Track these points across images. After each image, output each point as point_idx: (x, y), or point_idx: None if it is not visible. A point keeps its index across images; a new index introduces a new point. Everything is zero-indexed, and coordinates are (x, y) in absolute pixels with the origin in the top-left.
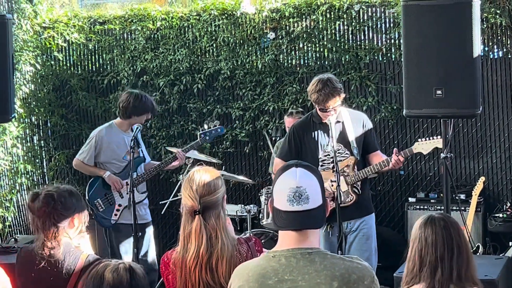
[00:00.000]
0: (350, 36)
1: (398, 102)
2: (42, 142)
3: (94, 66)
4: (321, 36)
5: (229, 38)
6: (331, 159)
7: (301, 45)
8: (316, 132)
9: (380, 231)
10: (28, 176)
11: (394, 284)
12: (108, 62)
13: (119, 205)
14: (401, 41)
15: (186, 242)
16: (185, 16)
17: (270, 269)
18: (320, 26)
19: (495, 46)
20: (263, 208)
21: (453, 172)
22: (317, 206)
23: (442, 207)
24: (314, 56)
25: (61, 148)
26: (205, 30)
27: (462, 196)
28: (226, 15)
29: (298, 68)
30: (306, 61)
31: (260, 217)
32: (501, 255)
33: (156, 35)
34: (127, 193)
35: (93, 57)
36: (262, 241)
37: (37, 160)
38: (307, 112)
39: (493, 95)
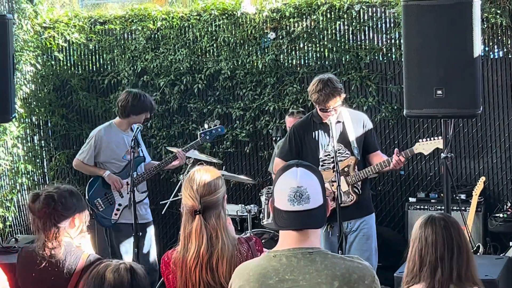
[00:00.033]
0: (351, 36)
1: (399, 102)
2: (42, 142)
3: (94, 66)
4: (321, 36)
5: (230, 38)
6: (332, 159)
7: (301, 45)
8: (316, 132)
9: (380, 231)
10: (28, 176)
11: (394, 284)
12: (108, 62)
13: (119, 205)
14: (402, 41)
15: (187, 242)
16: (186, 16)
17: (271, 268)
18: (321, 26)
19: (495, 46)
20: (264, 208)
21: (454, 172)
22: (318, 206)
23: (443, 207)
24: (314, 56)
25: (62, 148)
26: (206, 30)
27: (463, 196)
28: (226, 15)
29: (298, 68)
30: (306, 61)
31: (260, 217)
32: (501, 255)
33: (156, 35)
34: (128, 193)
35: (93, 57)
36: (263, 241)
37: (37, 160)
38: (308, 112)
39: (494, 95)
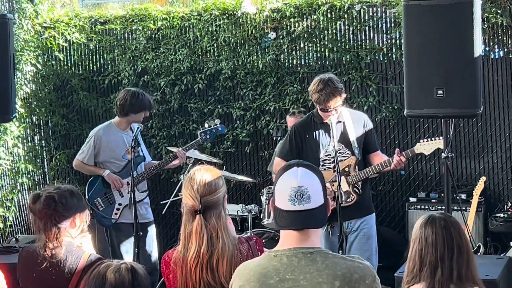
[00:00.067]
0: (351, 36)
1: (399, 102)
2: (43, 142)
3: (95, 66)
4: (322, 36)
5: (230, 38)
6: (332, 159)
7: (302, 45)
8: (317, 132)
9: (381, 231)
10: (29, 176)
11: (395, 284)
12: (109, 62)
13: (119, 204)
14: (402, 41)
15: (187, 241)
16: (186, 16)
17: (271, 268)
18: (321, 26)
19: (496, 46)
20: (264, 208)
21: (454, 172)
22: (319, 206)
23: (443, 207)
24: (315, 56)
25: (62, 148)
26: (206, 30)
27: (463, 196)
28: (227, 15)
29: (299, 68)
30: (307, 61)
31: (261, 217)
32: (502, 255)
33: (157, 35)
34: (128, 193)
35: (94, 57)
36: (263, 241)
37: (38, 160)
38: (309, 112)
39: (494, 95)
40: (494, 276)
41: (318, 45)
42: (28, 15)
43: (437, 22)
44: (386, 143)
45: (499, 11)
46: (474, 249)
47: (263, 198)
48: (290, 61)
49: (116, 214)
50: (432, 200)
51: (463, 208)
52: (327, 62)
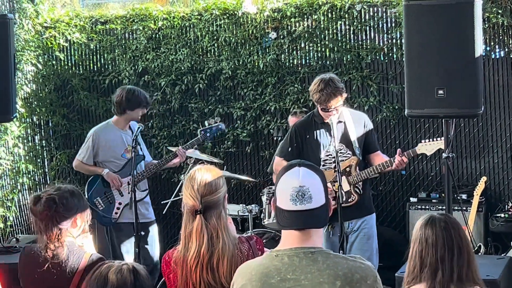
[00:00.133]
0: (352, 35)
1: (400, 102)
2: (43, 142)
3: (95, 66)
4: (322, 35)
5: (231, 38)
6: (333, 159)
7: (302, 45)
8: (317, 132)
9: (381, 231)
10: (29, 176)
11: (395, 284)
12: (109, 62)
13: (119, 203)
14: (403, 41)
15: (187, 241)
16: (187, 16)
17: (273, 268)
18: (322, 25)
19: (496, 46)
20: (265, 208)
21: (455, 172)
22: (320, 206)
23: (444, 207)
24: (315, 55)
25: (63, 148)
26: (207, 29)
27: (464, 196)
28: (227, 14)
29: (299, 68)
30: (307, 61)
31: (261, 217)
32: (502, 255)
33: (157, 35)
34: (129, 193)
35: (94, 57)
36: (264, 241)
37: (38, 160)
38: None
39: (495, 95)
40: (495, 276)
41: (318, 45)
42: (29, 15)
43: (437, 22)
44: (387, 143)
45: (500, 11)
46: (475, 249)
47: (264, 198)
48: (291, 61)
49: (116, 213)
50: (433, 200)
51: (464, 208)
52: (328, 62)
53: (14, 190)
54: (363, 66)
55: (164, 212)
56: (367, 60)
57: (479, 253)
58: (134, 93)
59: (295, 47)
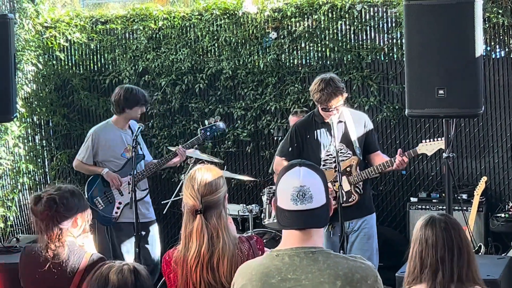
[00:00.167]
0: (352, 35)
1: (400, 102)
2: (44, 141)
3: (96, 66)
4: (323, 35)
5: (231, 38)
6: (333, 159)
7: (303, 45)
8: (318, 132)
9: (382, 231)
10: (30, 175)
11: (396, 284)
12: (110, 61)
13: (119, 203)
14: (403, 40)
15: (188, 241)
16: (187, 16)
17: (273, 268)
18: (322, 25)
19: (497, 46)
20: (265, 208)
21: (455, 172)
22: (321, 205)
23: (444, 207)
24: (316, 55)
25: (63, 147)
26: (207, 29)
27: (464, 196)
28: (228, 14)
29: (300, 68)
30: (308, 61)
31: (262, 216)
32: (503, 255)
33: (158, 35)
34: (129, 192)
35: (95, 56)
36: (264, 241)
37: (39, 160)
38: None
39: (495, 95)
40: (495, 276)
41: (319, 45)
42: (29, 14)
43: (438, 22)
44: (387, 143)
45: (500, 11)
46: (475, 249)
47: (264, 198)
48: (291, 61)
49: (116, 213)
50: (433, 200)
51: (464, 208)
52: (328, 62)
53: (15, 190)
54: (364, 66)
55: (164, 212)
56: (368, 60)
57: (480, 253)
58: (132, 92)
59: (295, 47)
